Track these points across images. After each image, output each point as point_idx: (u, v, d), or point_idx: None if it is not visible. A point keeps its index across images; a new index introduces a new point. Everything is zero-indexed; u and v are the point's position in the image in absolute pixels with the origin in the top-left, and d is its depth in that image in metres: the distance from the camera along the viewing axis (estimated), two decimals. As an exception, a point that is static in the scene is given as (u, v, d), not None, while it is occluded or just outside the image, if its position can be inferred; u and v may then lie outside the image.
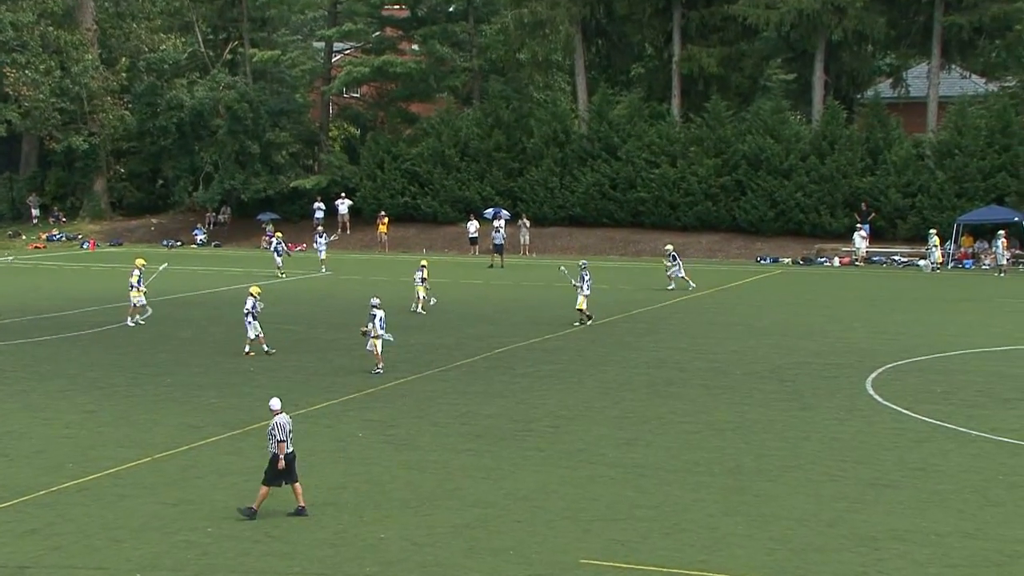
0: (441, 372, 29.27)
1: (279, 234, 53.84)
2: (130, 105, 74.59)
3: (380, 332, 28.38)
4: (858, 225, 57.43)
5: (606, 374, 28.85)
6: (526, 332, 35.51)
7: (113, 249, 68.87)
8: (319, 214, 68.14)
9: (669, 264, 46.47)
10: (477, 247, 62.74)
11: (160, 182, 78.63)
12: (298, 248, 62.76)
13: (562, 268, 42.03)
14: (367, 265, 58.18)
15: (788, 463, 20.58)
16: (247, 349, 31.58)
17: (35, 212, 76.56)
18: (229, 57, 75.00)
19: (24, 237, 72.46)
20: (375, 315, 28.56)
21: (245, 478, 19.49)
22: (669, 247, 47.48)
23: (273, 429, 17.68)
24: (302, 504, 17.69)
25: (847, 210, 59.43)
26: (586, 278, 36.75)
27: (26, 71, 69.83)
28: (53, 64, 70.85)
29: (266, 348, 31.70)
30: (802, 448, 21.62)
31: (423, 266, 41.42)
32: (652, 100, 66.77)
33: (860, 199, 58.96)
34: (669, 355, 31.47)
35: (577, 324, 36.27)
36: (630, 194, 63.56)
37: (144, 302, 37.65)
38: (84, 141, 72.14)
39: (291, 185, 69.92)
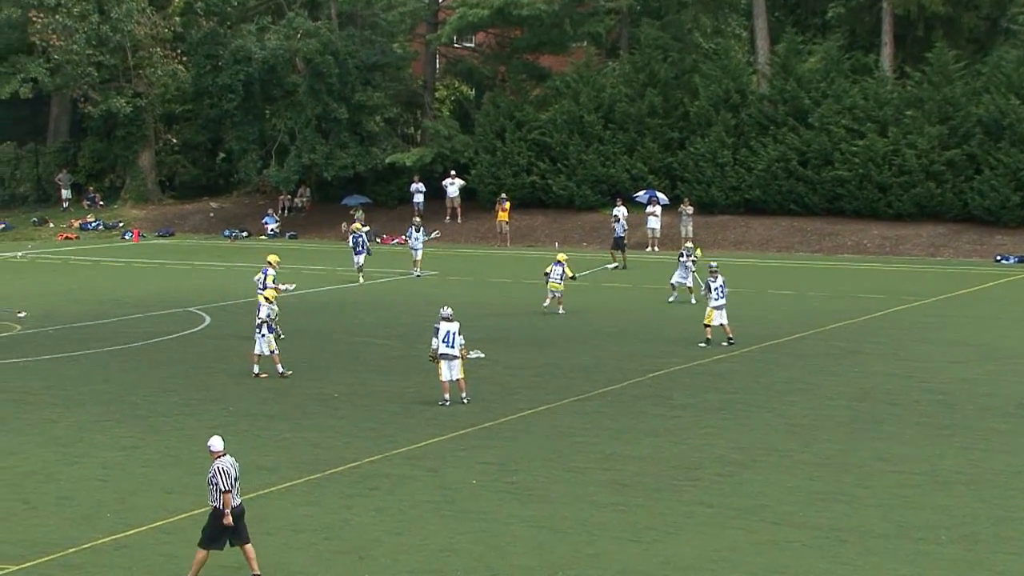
0: (577, 402, 29.16)
1: (357, 225, 53.12)
2: (184, 58, 75.87)
3: (447, 350, 28.35)
4: None
5: (793, 407, 28.48)
6: (687, 351, 35.23)
7: (162, 241, 70.22)
8: (419, 198, 68.57)
9: (690, 265, 44.53)
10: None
11: (222, 156, 79.84)
12: (395, 240, 63.23)
13: (607, 267, 41.92)
14: (482, 263, 58.36)
15: (1039, 529, 20.07)
16: (256, 370, 32.04)
17: (65, 193, 78.33)
18: (309, -4, 76.01)
19: (52, 225, 74.26)
20: (438, 328, 28.60)
21: (325, 535, 19.58)
22: (689, 244, 46.47)
23: (214, 476, 17.77)
24: (257, 572, 17.73)
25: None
26: (714, 284, 36.03)
27: (56, 16, 71.46)
28: (90, 7, 72.38)
29: (281, 368, 32.03)
30: (1058, 509, 21.07)
31: (560, 262, 41.46)
32: (855, 50, 65.83)
33: None
34: (877, 383, 30.96)
35: (703, 344, 35.99)
36: (825, 172, 62.79)
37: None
38: (127, 103, 73.55)
39: (387, 161, 70.44)
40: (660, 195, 63.21)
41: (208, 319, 41.37)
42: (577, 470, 23.39)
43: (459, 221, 68.77)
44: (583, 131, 67.52)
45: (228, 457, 18.00)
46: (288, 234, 70.55)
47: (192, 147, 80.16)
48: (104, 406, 29.02)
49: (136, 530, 20.09)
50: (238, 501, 17.92)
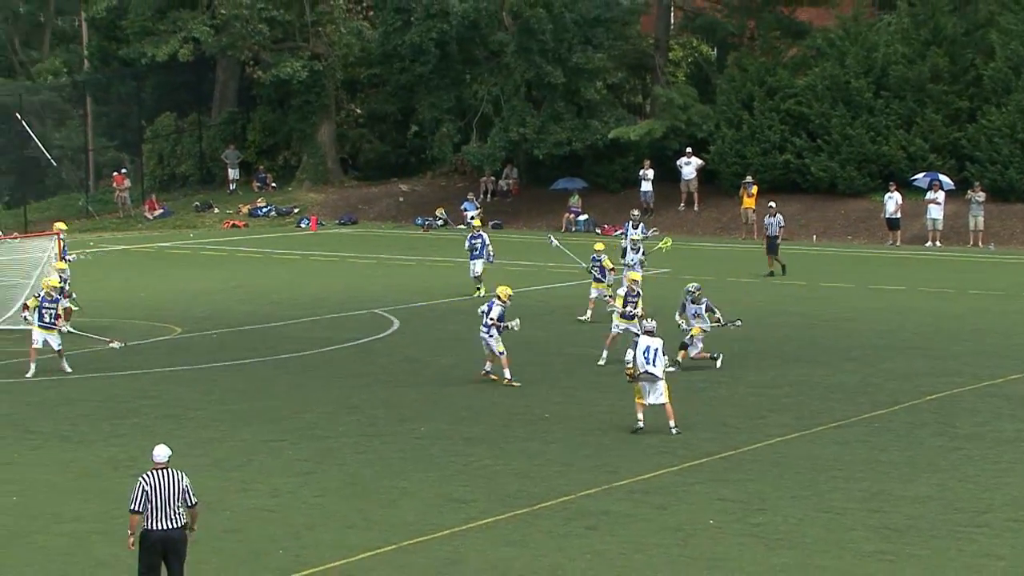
0: (837, 429, 28.94)
1: (477, 222, 52.20)
2: (370, 14, 76.78)
3: (650, 368, 28.18)
4: None
5: (1108, 440, 27.98)
6: (976, 368, 34.76)
7: (344, 230, 71.26)
8: (647, 187, 68.24)
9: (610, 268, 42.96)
10: (899, 233, 61.74)
11: (414, 130, 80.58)
12: (618, 232, 63.21)
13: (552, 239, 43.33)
14: (723, 259, 58.07)
15: None
16: (487, 369, 33.29)
17: (232, 173, 79.93)
18: (519, -61, 76.44)
19: (216, 210, 75.93)
20: (637, 342, 28.67)
21: (532, 582, 19.80)
22: (600, 247, 44.09)
23: (137, 490, 17.82)
24: None
25: None
26: (692, 309, 35.36)
27: (222, -36, 73.08)
28: (261, -46, 73.78)
29: (508, 376, 32.98)
30: None
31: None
32: None
33: None
34: None
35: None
36: None
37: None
38: (303, 67, 74.63)
39: (609, 136, 70.45)
40: (944, 178, 62.27)
41: (396, 323, 41.93)
42: (836, 511, 23.25)
43: (696, 209, 68.59)
44: (849, 100, 66.85)
45: (170, 471, 17.96)
46: (492, 223, 70.47)
47: (379, 119, 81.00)
48: (274, 424, 29.65)
49: (311, 570, 20.43)
50: (179, 522, 17.86)
